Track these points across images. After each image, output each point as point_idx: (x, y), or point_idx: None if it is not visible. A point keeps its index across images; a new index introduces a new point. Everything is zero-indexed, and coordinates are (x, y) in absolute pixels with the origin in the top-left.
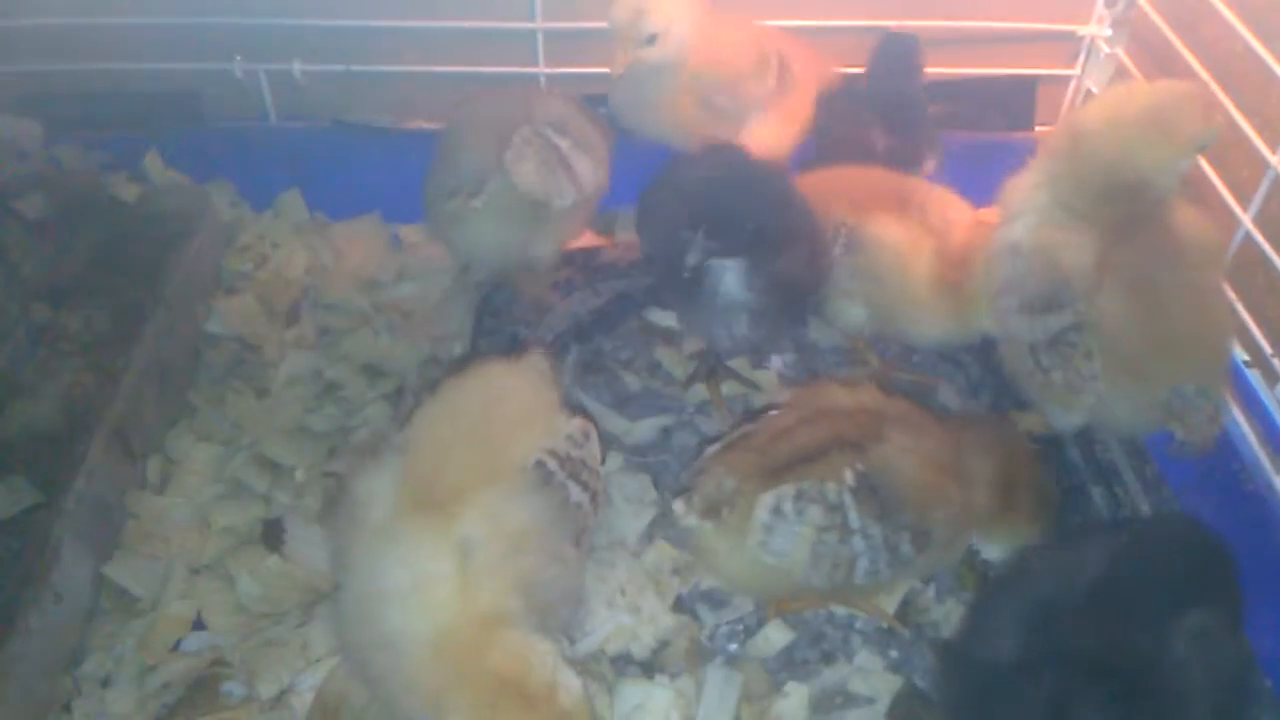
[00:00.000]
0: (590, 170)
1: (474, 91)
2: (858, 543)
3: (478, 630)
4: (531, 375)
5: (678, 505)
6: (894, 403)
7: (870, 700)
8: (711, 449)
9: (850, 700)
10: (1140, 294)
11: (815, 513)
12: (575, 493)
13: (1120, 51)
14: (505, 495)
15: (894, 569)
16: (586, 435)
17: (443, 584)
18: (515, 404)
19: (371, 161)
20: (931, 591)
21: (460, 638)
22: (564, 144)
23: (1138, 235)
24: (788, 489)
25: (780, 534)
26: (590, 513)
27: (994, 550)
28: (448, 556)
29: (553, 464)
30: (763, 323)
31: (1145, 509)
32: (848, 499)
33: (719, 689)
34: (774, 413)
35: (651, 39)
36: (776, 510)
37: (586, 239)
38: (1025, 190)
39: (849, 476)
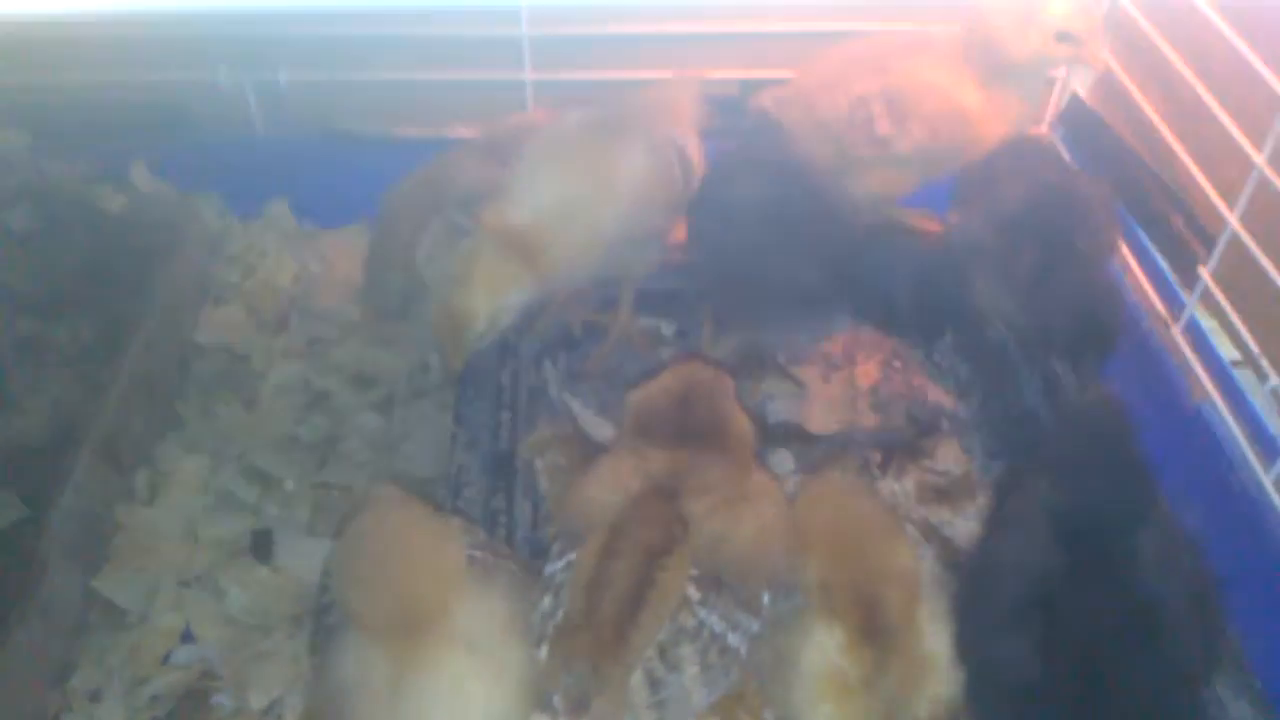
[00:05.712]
0: None
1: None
2: (731, 638)
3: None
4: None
5: None
6: (680, 457)
7: None
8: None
9: None
10: None
11: (687, 652)
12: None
13: (1105, 51)
14: (470, 597)
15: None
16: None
17: (484, 679)
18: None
19: (359, 170)
20: None
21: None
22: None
23: None
24: (649, 654)
25: (671, 701)
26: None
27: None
28: (463, 659)
29: (479, 554)
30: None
31: None
32: (704, 614)
33: None
34: (570, 558)
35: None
36: (653, 682)
37: None
38: None
39: (693, 591)
